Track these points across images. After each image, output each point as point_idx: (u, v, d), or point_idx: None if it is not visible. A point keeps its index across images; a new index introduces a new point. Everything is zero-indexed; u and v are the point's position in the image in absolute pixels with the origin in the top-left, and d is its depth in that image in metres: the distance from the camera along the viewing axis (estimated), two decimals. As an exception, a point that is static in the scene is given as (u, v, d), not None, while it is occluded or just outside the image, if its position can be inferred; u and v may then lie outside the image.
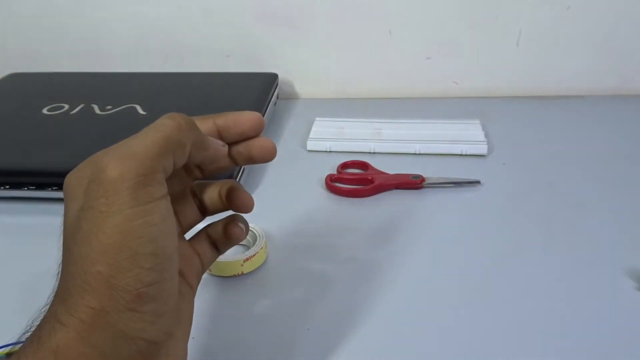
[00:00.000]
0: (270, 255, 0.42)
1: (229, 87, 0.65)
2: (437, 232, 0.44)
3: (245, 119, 0.29)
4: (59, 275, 0.25)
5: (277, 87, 0.68)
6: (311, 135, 0.59)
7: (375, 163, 0.54)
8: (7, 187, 0.50)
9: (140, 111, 0.59)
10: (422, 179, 0.50)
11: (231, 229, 0.31)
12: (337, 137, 0.58)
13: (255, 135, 0.30)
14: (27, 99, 0.63)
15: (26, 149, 0.53)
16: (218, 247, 0.32)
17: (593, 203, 0.47)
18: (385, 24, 0.68)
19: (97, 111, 0.59)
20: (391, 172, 0.52)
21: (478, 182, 0.50)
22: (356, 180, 0.51)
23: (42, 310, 0.24)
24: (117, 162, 0.25)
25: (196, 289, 0.30)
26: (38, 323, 0.24)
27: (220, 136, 0.29)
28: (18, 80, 0.70)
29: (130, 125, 0.56)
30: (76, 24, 0.72)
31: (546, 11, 0.65)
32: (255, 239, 0.42)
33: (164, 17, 0.70)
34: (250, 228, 0.39)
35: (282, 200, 0.49)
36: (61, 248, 0.25)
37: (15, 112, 0.61)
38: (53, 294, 0.24)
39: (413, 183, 0.50)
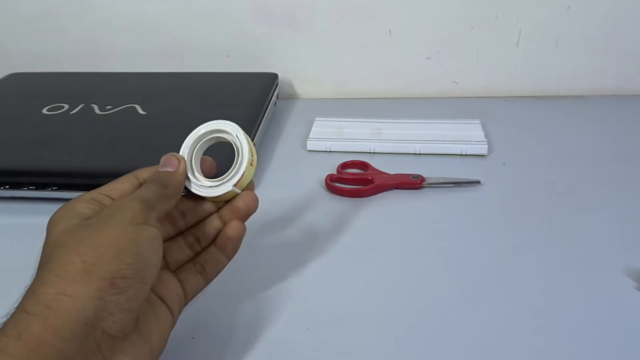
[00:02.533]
0: (270, 255, 0.42)
1: (229, 87, 0.65)
2: (437, 232, 0.44)
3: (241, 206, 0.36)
4: (34, 276, 0.28)
5: (277, 87, 0.68)
6: (311, 135, 0.59)
7: (375, 163, 0.54)
8: (7, 187, 0.50)
9: (140, 111, 0.59)
10: (422, 179, 0.50)
11: (228, 230, 0.35)
12: (337, 137, 0.58)
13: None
14: (27, 99, 0.63)
15: (26, 149, 0.53)
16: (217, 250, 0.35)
17: (593, 203, 0.47)
18: (385, 24, 0.68)
19: (97, 111, 0.59)
20: (391, 172, 0.52)
21: (478, 182, 0.50)
22: (356, 180, 0.51)
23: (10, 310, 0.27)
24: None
25: (177, 315, 0.32)
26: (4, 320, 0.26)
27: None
28: (18, 80, 0.70)
29: (130, 125, 0.57)
30: (76, 24, 0.72)
31: (546, 11, 0.65)
32: (236, 150, 0.36)
33: (164, 17, 0.70)
34: (221, 130, 0.36)
35: (282, 200, 0.49)
36: (39, 256, 0.29)
37: (15, 112, 0.61)
38: (22, 294, 0.27)
39: (413, 183, 0.50)
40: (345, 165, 0.54)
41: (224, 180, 0.35)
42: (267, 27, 0.69)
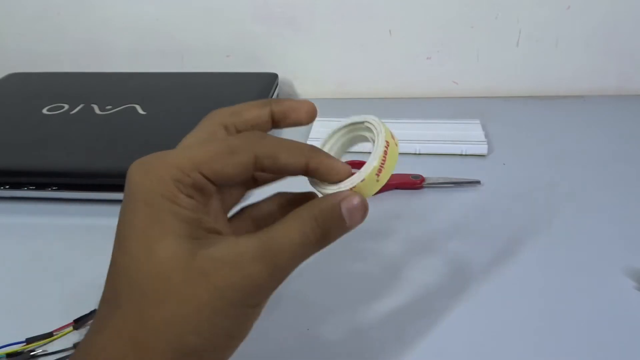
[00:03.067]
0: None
1: (229, 87, 0.65)
2: (437, 232, 0.44)
3: (303, 109, 0.31)
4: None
5: (277, 87, 0.67)
6: (311, 135, 0.59)
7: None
8: (7, 187, 0.50)
9: (140, 111, 0.59)
10: (422, 179, 0.50)
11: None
12: None
13: (308, 123, 0.30)
14: (27, 99, 0.63)
15: (26, 149, 0.53)
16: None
17: (593, 203, 0.47)
18: (385, 24, 0.68)
19: (97, 111, 0.59)
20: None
21: (478, 182, 0.50)
22: None
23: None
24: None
25: None
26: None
27: (274, 123, 0.30)
28: (18, 80, 0.70)
29: (130, 125, 0.57)
30: (76, 24, 0.72)
31: (546, 11, 0.65)
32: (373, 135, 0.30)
33: (164, 17, 0.70)
34: (362, 122, 0.32)
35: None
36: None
37: (15, 112, 0.61)
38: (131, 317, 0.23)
39: (413, 183, 0.50)
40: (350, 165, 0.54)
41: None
42: (267, 27, 0.69)
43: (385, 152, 0.29)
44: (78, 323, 0.36)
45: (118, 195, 0.49)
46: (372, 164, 0.28)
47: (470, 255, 0.42)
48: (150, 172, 0.24)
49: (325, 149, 0.32)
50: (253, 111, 0.29)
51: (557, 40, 0.67)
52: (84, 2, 0.71)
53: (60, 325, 0.36)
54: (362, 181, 0.28)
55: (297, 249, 0.24)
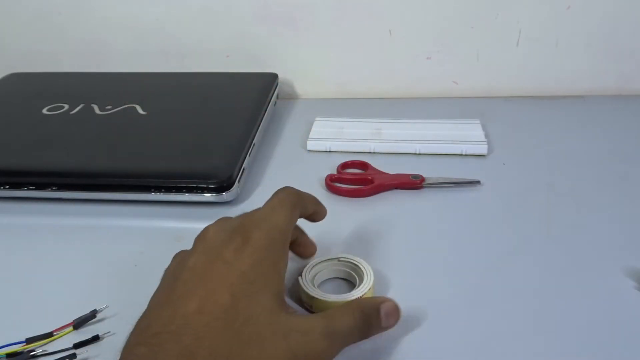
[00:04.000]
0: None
1: (229, 87, 0.65)
2: (437, 232, 0.44)
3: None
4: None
5: (277, 87, 0.68)
6: (311, 135, 0.59)
7: (375, 163, 0.54)
8: (7, 187, 0.50)
9: (140, 111, 0.59)
10: (422, 179, 0.50)
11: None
12: (337, 137, 0.58)
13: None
14: (27, 99, 0.63)
15: (26, 149, 0.53)
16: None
17: (593, 203, 0.47)
18: (385, 24, 0.68)
19: (97, 111, 0.59)
20: (391, 172, 0.52)
21: (478, 182, 0.50)
22: (356, 180, 0.51)
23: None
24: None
25: None
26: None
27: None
28: (18, 80, 0.70)
29: (130, 125, 0.57)
30: (76, 24, 0.72)
31: (546, 11, 0.65)
32: (361, 275, 0.38)
33: (164, 17, 0.70)
34: (356, 263, 0.38)
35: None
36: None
37: (15, 112, 0.61)
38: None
39: (413, 183, 0.50)
40: (345, 165, 0.54)
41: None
42: (267, 27, 0.69)
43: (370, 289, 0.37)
44: (78, 323, 0.36)
45: (118, 195, 0.49)
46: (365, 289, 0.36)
47: (469, 255, 0.42)
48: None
49: (312, 272, 0.38)
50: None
51: (557, 40, 0.66)
52: (84, 2, 0.70)
53: (60, 325, 0.36)
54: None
55: (348, 333, 0.30)
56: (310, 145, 0.58)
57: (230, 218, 0.34)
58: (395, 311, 0.33)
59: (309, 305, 0.36)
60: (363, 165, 0.54)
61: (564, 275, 0.39)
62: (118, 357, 0.27)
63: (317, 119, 0.62)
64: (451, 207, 0.48)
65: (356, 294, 0.36)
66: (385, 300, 0.33)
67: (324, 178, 0.51)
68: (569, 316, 0.36)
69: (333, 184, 0.50)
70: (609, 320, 0.35)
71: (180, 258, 0.32)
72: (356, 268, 0.38)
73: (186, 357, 0.25)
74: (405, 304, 0.37)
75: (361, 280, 0.37)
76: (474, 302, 0.37)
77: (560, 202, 0.47)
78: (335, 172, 0.53)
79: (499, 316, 0.36)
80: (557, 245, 0.42)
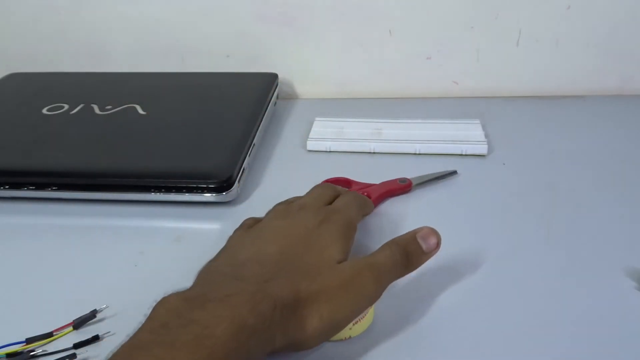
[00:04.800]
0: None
1: (229, 87, 0.65)
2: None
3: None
4: None
5: (277, 87, 0.68)
6: (311, 135, 0.59)
7: (376, 163, 0.54)
8: (7, 187, 0.50)
9: (140, 111, 0.59)
10: (410, 183, 0.50)
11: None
12: (337, 137, 0.58)
13: None
14: (27, 99, 0.63)
15: (26, 149, 0.53)
16: None
17: (593, 203, 0.47)
18: (385, 24, 0.68)
19: (97, 111, 0.59)
20: (391, 172, 0.51)
21: (455, 172, 0.52)
22: None
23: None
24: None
25: None
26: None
27: None
28: (18, 80, 0.70)
29: (130, 125, 0.57)
30: (76, 24, 0.72)
31: (546, 11, 0.65)
32: None
33: (164, 17, 0.70)
34: None
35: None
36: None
37: (15, 112, 0.61)
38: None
39: (403, 187, 0.49)
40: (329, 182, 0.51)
41: None
42: (267, 27, 0.69)
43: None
44: (78, 323, 0.36)
45: (118, 195, 0.49)
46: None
47: (469, 255, 0.42)
48: None
49: None
50: None
51: (557, 40, 0.66)
52: (84, 2, 0.70)
53: (60, 325, 0.36)
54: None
55: (390, 267, 0.33)
56: (310, 145, 0.58)
57: (308, 197, 0.42)
58: (431, 233, 0.35)
59: None
60: (347, 183, 0.51)
61: (564, 275, 0.39)
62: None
63: (317, 119, 0.62)
64: (448, 209, 0.48)
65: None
66: (420, 229, 0.36)
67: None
68: (569, 316, 0.36)
69: None
70: (609, 321, 0.35)
71: (260, 221, 0.39)
72: None
73: (265, 279, 0.31)
74: (407, 310, 0.37)
75: None
76: (473, 302, 0.37)
77: (560, 202, 0.47)
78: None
79: (498, 316, 0.36)
80: (557, 245, 0.42)
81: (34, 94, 0.64)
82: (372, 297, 0.33)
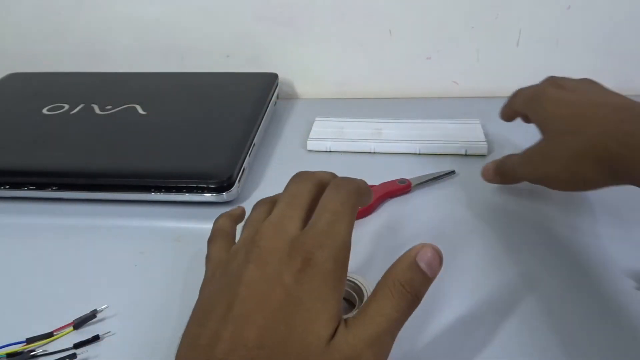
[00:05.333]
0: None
1: (229, 87, 0.65)
2: (436, 239, 0.44)
3: None
4: None
5: (277, 87, 0.68)
6: (311, 135, 0.59)
7: (376, 163, 0.54)
8: (7, 187, 0.50)
9: (141, 111, 0.59)
10: (409, 183, 0.50)
11: None
12: (337, 137, 0.58)
13: None
14: (27, 99, 0.63)
15: (26, 149, 0.53)
16: None
17: (593, 203, 0.47)
18: (385, 23, 0.68)
19: (97, 111, 0.59)
20: (391, 173, 0.51)
21: (453, 172, 0.51)
22: None
23: None
24: None
25: None
26: None
27: None
28: (18, 80, 0.70)
29: (130, 125, 0.57)
30: (76, 24, 0.72)
31: (546, 11, 0.65)
32: (361, 294, 0.36)
33: (164, 17, 0.70)
34: (354, 280, 0.36)
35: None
36: None
37: (15, 112, 0.61)
38: None
39: (402, 189, 0.49)
40: None
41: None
42: (267, 27, 0.69)
43: None
44: (78, 323, 0.36)
45: (118, 195, 0.49)
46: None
47: (470, 255, 0.42)
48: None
49: None
50: None
51: (557, 40, 0.66)
52: (84, 2, 0.70)
53: (60, 325, 0.36)
54: None
55: (394, 322, 0.27)
56: (311, 145, 0.58)
57: (276, 211, 0.30)
58: (434, 253, 0.28)
59: None
60: None
61: (564, 275, 0.39)
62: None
63: (317, 119, 0.62)
64: (448, 209, 0.48)
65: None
66: (418, 250, 0.28)
67: None
68: (569, 316, 0.36)
69: None
70: (609, 321, 0.35)
71: (228, 258, 0.30)
72: (355, 287, 0.37)
73: None
74: (409, 321, 0.37)
75: (361, 299, 0.36)
76: (472, 303, 0.37)
77: (560, 202, 0.47)
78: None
79: (498, 316, 0.36)
80: (557, 245, 0.42)
81: (34, 94, 0.64)
82: None
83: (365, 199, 0.32)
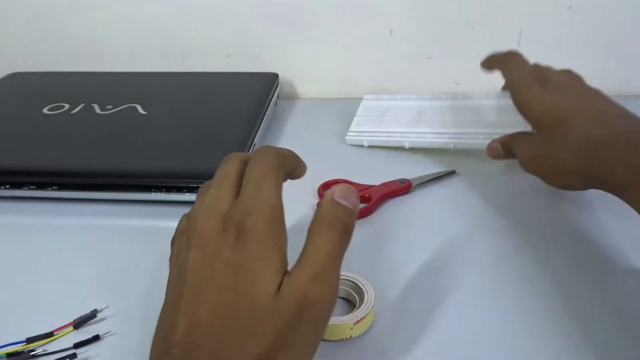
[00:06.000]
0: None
1: (229, 87, 0.65)
2: (437, 239, 0.44)
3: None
4: (246, 353, 0.26)
5: (278, 87, 0.67)
6: (352, 128, 0.59)
7: (376, 163, 0.54)
8: (7, 187, 0.50)
9: (141, 111, 0.59)
10: (409, 183, 0.50)
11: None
12: (376, 130, 0.58)
13: None
14: (27, 99, 0.63)
15: (26, 149, 0.53)
16: None
17: (593, 203, 0.47)
18: (386, 23, 0.68)
19: (98, 111, 0.59)
20: (391, 174, 0.51)
21: (454, 172, 0.51)
22: None
23: None
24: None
25: None
26: None
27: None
28: (18, 80, 0.70)
29: (131, 125, 0.57)
30: (76, 24, 0.72)
31: (547, 11, 0.65)
32: (362, 294, 0.36)
33: (164, 17, 0.70)
34: (354, 280, 0.37)
35: (284, 202, 0.49)
36: None
37: (15, 112, 0.61)
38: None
39: (402, 189, 0.49)
40: (326, 186, 0.51)
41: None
42: (267, 27, 0.69)
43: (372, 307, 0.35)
44: (78, 323, 0.36)
45: (118, 195, 0.49)
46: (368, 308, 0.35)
47: (470, 255, 0.42)
48: None
49: None
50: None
51: (558, 40, 0.66)
52: (84, 2, 0.71)
53: (60, 325, 0.36)
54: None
55: (331, 254, 0.28)
56: (349, 139, 0.58)
57: (208, 196, 0.31)
58: (345, 189, 0.31)
59: None
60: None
61: (564, 275, 0.39)
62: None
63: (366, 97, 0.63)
64: (448, 210, 0.47)
65: (359, 314, 0.34)
66: (331, 191, 0.31)
67: (316, 205, 0.47)
68: (569, 316, 0.36)
69: None
70: (609, 321, 0.35)
71: (178, 250, 0.32)
72: (355, 287, 0.37)
73: None
74: (407, 310, 0.37)
75: (362, 299, 0.36)
76: (472, 303, 0.37)
77: (560, 202, 0.47)
78: (318, 194, 0.50)
79: (499, 316, 0.36)
80: (558, 245, 0.42)
81: (34, 94, 0.64)
82: (329, 314, 0.28)
83: (290, 161, 0.34)
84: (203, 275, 0.28)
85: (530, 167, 0.45)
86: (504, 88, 0.52)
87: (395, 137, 0.57)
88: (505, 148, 0.48)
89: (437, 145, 0.55)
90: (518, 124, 0.47)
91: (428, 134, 0.56)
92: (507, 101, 0.48)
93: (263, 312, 0.26)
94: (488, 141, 0.51)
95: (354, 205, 0.30)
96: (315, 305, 0.27)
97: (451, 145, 0.55)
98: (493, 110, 0.58)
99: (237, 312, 0.26)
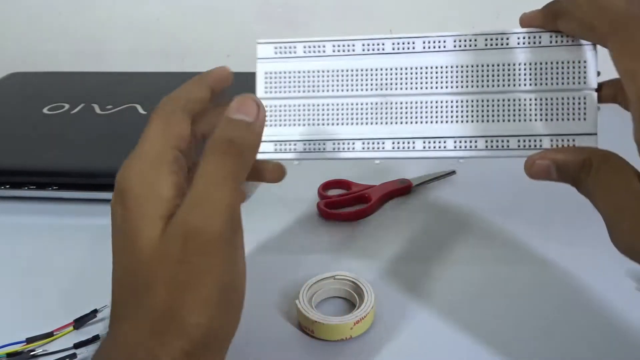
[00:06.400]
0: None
1: (229, 87, 0.65)
2: (438, 239, 0.44)
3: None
4: (145, 308, 0.25)
5: (278, 87, 0.67)
6: None
7: (376, 164, 0.54)
8: (7, 186, 0.50)
9: (141, 111, 0.59)
10: (410, 183, 0.49)
11: None
12: None
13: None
14: (27, 99, 0.63)
15: (26, 149, 0.53)
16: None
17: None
18: (386, 23, 0.68)
19: (98, 111, 0.59)
20: (391, 174, 0.51)
21: (454, 172, 0.51)
22: (349, 200, 0.48)
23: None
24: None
25: None
26: (128, 350, 0.25)
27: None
28: (18, 80, 0.69)
29: (131, 125, 0.56)
30: (76, 23, 0.72)
31: (547, 11, 0.65)
32: (362, 294, 0.36)
33: (164, 17, 0.70)
34: (354, 280, 0.37)
35: (284, 200, 0.49)
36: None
37: (15, 112, 0.61)
38: (134, 322, 0.25)
39: (403, 189, 0.49)
40: (326, 186, 0.51)
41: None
42: (267, 27, 0.69)
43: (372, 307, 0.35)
44: (78, 323, 0.36)
45: (118, 195, 0.49)
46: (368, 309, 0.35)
47: (470, 255, 0.42)
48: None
49: (309, 294, 0.36)
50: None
51: (558, 40, 0.66)
52: (84, 2, 0.71)
53: (60, 325, 0.36)
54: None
55: (216, 176, 0.26)
56: None
57: None
58: (243, 99, 0.28)
59: (310, 330, 0.34)
60: (346, 185, 0.50)
61: (564, 275, 0.39)
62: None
63: None
64: (447, 210, 0.47)
65: (359, 314, 0.34)
66: (229, 108, 0.28)
67: (316, 205, 0.48)
68: (569, 316, 0.36)
69: (330, 210, 0.47)
70: (610, 321, 0.35)
71: None
72: (355, 287, 0.37)
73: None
74: (407, 310, 0.37)
75: (362, 299, 0.35)
76: (472, 303, 0.37)
77: (561, 202, 0.47)
78: (320, 194, 0.49)
79: (499, 316, 0.36)
80: (557, 245, 0.42)
81: (34, 94, 0.64)
82: (220, 242, 0.25)
83: (196, 92, 0.34)
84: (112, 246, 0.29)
85: None
86: None
87: None
88: (563, 170, 0.30)
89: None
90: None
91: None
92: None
93: (150, 260, 0.25)
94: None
95: (249, 115, 0.27)
96: (199, 233, 0.24)
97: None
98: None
99: (127, 270, 0.27)
